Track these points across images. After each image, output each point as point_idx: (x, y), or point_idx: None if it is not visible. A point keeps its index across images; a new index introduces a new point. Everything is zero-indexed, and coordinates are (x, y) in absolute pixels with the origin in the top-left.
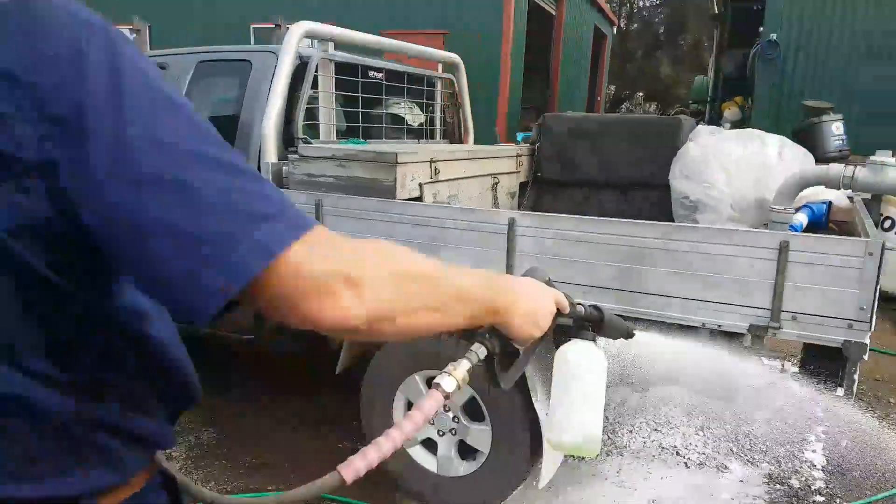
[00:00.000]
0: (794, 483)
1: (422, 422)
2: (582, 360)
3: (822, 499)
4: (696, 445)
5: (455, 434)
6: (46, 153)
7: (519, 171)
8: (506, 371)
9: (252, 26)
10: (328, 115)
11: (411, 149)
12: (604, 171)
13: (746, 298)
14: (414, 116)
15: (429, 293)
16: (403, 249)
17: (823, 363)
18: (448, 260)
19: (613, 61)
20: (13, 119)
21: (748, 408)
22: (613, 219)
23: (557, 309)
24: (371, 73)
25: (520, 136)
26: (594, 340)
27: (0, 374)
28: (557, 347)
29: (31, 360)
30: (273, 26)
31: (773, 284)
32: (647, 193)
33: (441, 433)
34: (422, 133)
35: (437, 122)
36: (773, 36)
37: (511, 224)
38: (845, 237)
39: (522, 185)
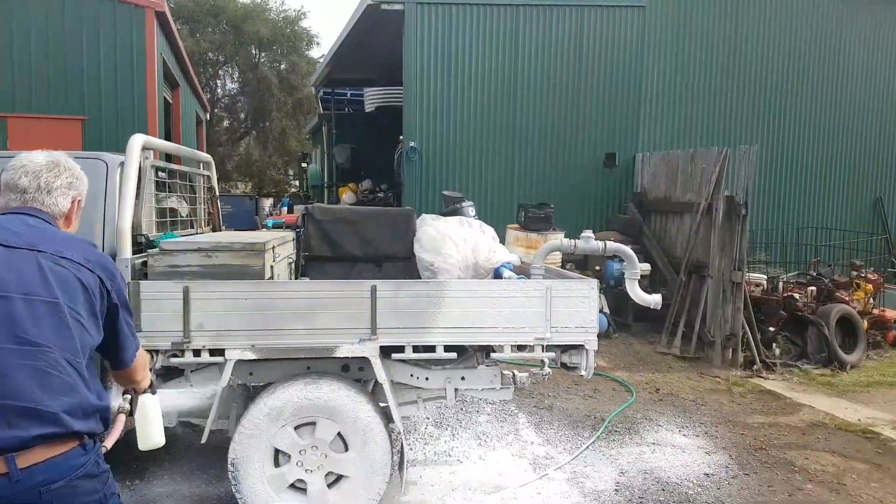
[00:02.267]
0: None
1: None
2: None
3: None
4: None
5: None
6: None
7: (294, 251)
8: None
9: None
10: (150, 213)
11: (256, 238)
12: (361, 249)
13: (538, 327)
14: (183, 208)
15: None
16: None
17: (574, 355)
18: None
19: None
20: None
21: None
22: (432, 280)
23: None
24: (159, 174)
25: (269, 222)
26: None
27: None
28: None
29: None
30: None
31: (544, 312)
32: (395, 264)
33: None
34: (190, 223)
35: (202, 213)
36: (412, 143)
37: (373, 290)
38: (580, 278)
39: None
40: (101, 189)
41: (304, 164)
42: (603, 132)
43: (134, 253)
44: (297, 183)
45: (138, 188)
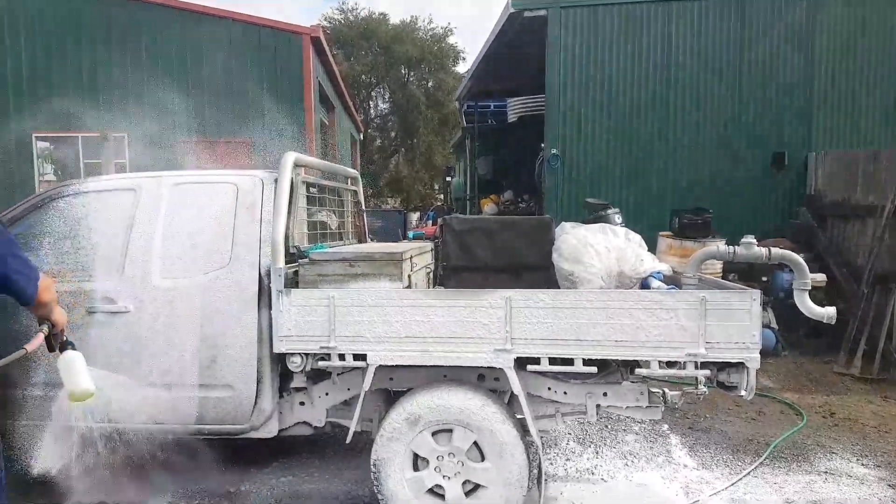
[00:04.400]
0: None
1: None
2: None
3: None
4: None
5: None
6: None
7: (432, 262)
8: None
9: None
10: (302, 226)
11: (395, 249)
12: (498, 258)
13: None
14: (332, 222)
15: None
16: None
17: (733, 374)
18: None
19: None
20: None
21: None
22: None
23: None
24: (310, 189)
25: (411, 234)
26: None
27: None
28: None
29: None
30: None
31: (698, 326)
32: (533, 274)
33: (447, 477)
34: (338, 235)
35: (349, 226)
36: (554, 150)
37: (509, 300)
38: (741, 289)
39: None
40: (258, 204)
41: (448, 178)
42: (769, 131)
43: (286, 263)
44: (441, 196)
45: (290, 203)
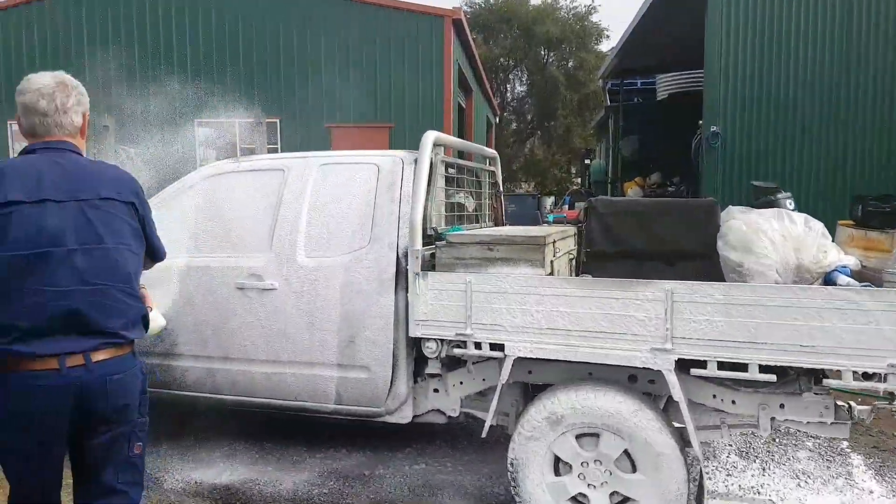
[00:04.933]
0: None
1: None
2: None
3: None
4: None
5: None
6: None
7: (575, 248)
8: None
9: (197, 121)
10: (440, 208)
11: (537, 232)
12: (651, 245)
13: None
14: (469, 203)
15: None
16: None
17: None
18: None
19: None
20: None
21: None
22: (751, 284)
23: None
24: (449, 170)
25: (550, 217)
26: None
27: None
28: None
29: None
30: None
31: None
32: (692, 263)
33: (592, 486)
34: (475, 218)
35: (486, 208)
36: (714, 128)
37: (670, 293)
38: None
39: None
40: (398, 184)
41: (586, 161)
42: None
43: (424, 245)
44: (578, 180)
45: (429, 183)
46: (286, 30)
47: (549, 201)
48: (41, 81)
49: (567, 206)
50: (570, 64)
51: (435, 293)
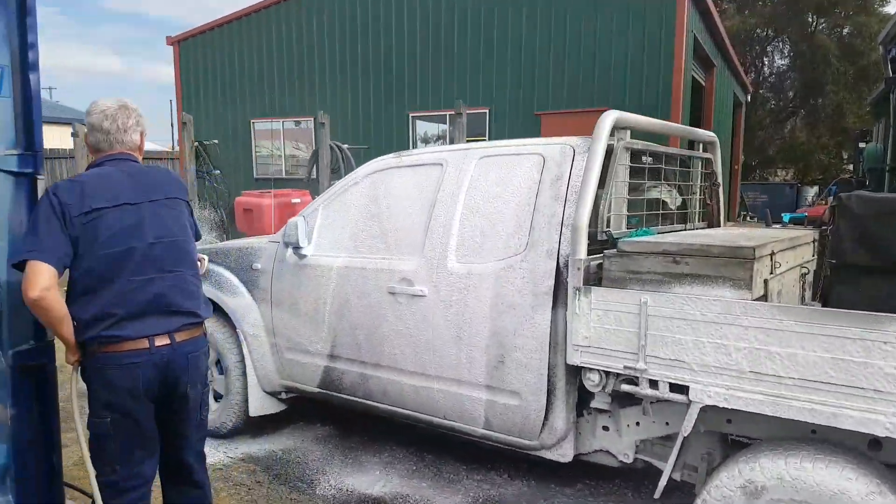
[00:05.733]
0: None
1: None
2: None
3: None
4: None
5: None
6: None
7: (814, 259)
8: None
9: (411, 115)
10: (620, 206)
11: (747, 240)
12: None
13: None
14: (673, 199)
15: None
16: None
17: None
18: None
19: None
20: None
21: None
22: None
23: None
24: (644, 159)
25: (786, 216)
26: None
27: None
28: None
29: None
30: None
31: None
32: None
33: None
34: (681, 217)
35: (696, 205)
36: None
37: None
38: None
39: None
40: (565, 177)
41: (861, 144)
42: None
43: (594, 252)
44: (850, 167)
45: (605, 176)
46: (492, 14)
47: (811, 192)
48: (105, 104)
49: (832, 198)
50: (845, 31)
51: (600, 314)
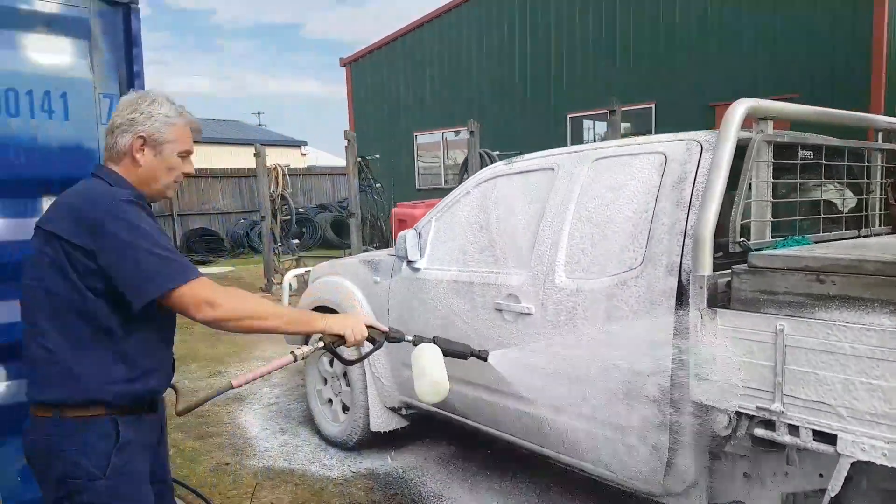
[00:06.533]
0: None
1: (277, 368)
2: (423, 350)
3: None
4: None
5: None
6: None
7: None
8: (343, 356)
9: (568, 116)
10: (762, 211)
11: None
12: None
13: None
14: (845, 201)
15: (259, 314)
16: (254, 297)
17: None
18: None
19: None
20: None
21: None
22: None
23: (375, 328)
24: (800, 153)
25: None
26: (432, 342)
27: None
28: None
29: None
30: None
31: None
32: None
33: None
34: (854, 221)
35: (876, 206)
36: None
37: None
38: None
39: None
40: (690, 179)
41: None
42: None
43: (721, 268)
44: None
45: (742, 175)
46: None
47: None
48: (124, 99)
49: None
50: None
51: (727, 343)
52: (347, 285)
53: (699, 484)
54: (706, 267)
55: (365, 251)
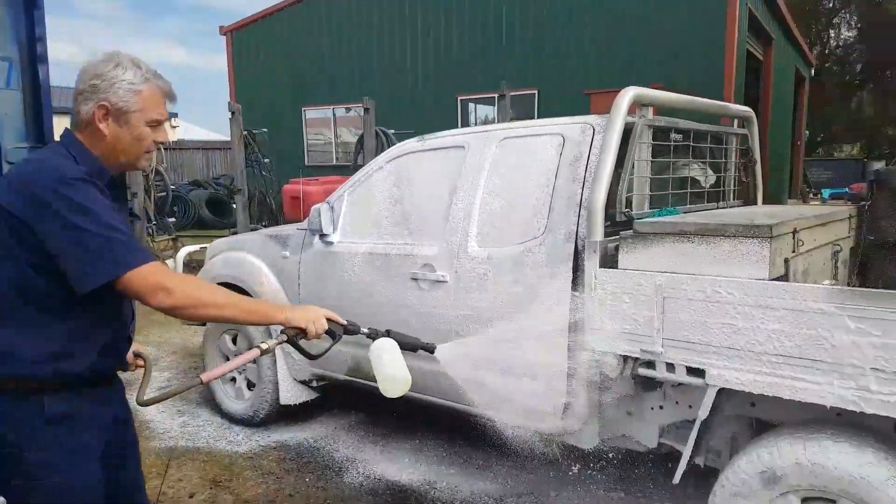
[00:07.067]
0: None
1: (244, 363)
2: (383, 346)
3: None
4: None
5: None
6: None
7: (850, 236)
8: (307, 350)
9: (459, 98)
10: (643, 185)
11: (769, 218)
12: None
13: None
14: (707, 178)
15: (216, 302)
16: (210, 285)
17: None
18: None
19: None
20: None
21: None
22: None
23: (335, 321)
24: (672, 136)
25: (826, 192)
26: (387, 335)
27: None
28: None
29: None
30: (497, 96)
31: None
32: None
33: None
34: (713, 196)
35: (731, 182)
36: None
37: None
38: None
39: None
40: (584, 157)
41: None
42: None
43: (611, 234)
44: None
45: (625, 154)
46: None
47: (877, 166)
48: (88, 62)
49: None
50: None
51: (616, 297)
52: (253, 261)
53: (591, 422)
54: (598, 234)
55: (253, 230)
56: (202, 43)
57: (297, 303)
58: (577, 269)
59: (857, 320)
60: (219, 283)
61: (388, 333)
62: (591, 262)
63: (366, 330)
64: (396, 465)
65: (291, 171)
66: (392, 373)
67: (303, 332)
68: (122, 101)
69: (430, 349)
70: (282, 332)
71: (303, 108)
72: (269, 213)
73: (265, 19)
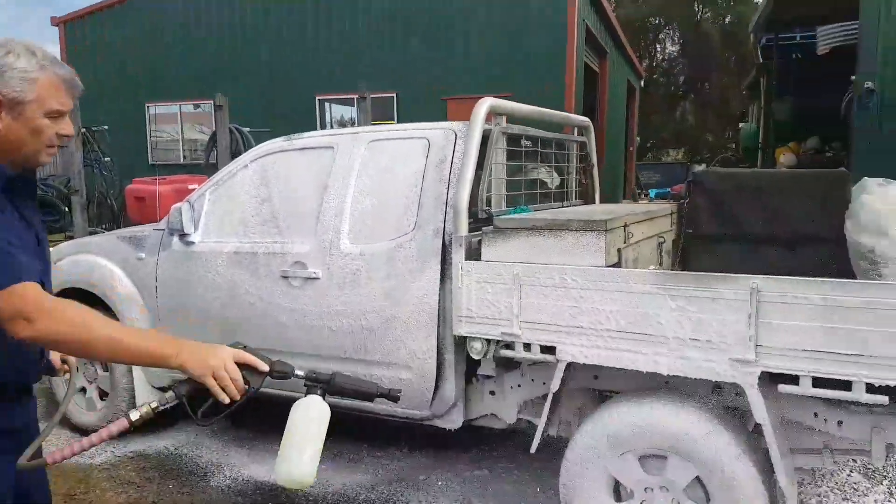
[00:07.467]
0: None
1: (107, 438)
2: (308, 409)
3: None
4: None
5: None
6: None
7: (672, 229)
8: (204, 411)
9: (317, 97)
10: (500, 186)
11: (605, 213)
12: (767, 226)
13: None
14: (553, 180)
15: (81, 340)
16: (92, 315)
17: None
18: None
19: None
20: None
21: None
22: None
23: (250, 365)
24: (523, 142)
25: (653, 192)
26: (323, 396)
27: None
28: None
29: None
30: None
31: None
32: (816, 248)
33: None
34: (559, 196)
35: (573, 184)
36: (868, 84)
37: (755, 290)
38: None
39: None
40: (448, 160)
41: (740, 125)
42: None
43: (478, 230)
44: (733, 146)
45: (484, 158)
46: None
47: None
48: None
49: None
50: (727, 20)
51: (479, 286)
52: (104, 264)
53: (457, 405)
54: (464, 230)
55: (92, 234)
56: (22, 32)
57: (155, 307)
58: (445, 262)
59: (676, 299)
60: (67, 290)
61: (332, 378)
62: (458, 256)
63: (301, 373)
64: (265, 466)
65: (135, 170)
66: (305, 458)
67: (201, 388)
68: (14, 91)
69: (395, 398)
70: (171, 387)
71: (147, 105)
72: (110, 215)
73: (104, 11)
